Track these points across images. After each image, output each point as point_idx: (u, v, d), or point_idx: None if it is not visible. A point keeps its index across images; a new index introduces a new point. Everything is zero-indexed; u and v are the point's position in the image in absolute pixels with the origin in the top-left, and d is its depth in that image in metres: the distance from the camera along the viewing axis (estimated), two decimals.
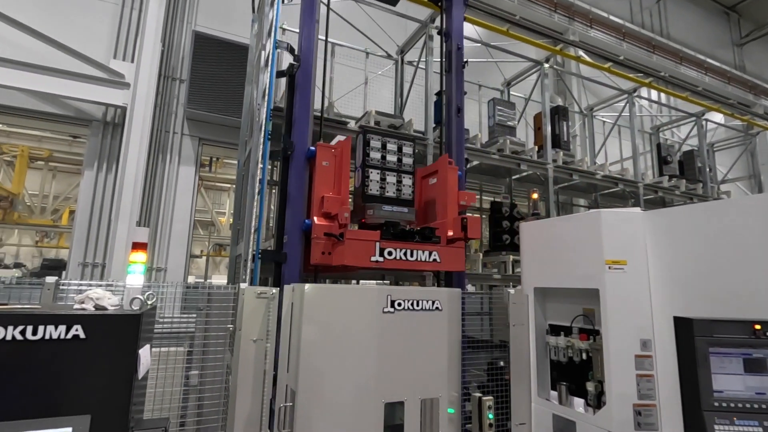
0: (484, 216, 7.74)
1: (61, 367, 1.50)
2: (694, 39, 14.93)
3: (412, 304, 2.22)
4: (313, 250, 3.03)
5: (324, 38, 4.52)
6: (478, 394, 3.10)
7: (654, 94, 11.01)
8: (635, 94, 8.35)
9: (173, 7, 7.61)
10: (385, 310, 2.15)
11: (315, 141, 3.92)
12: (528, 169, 6.55)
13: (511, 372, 3.67)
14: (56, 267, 10.40)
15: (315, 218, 3.14)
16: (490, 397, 3.06)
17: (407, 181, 3.82)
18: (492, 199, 7.12)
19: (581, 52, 8.53)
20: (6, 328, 1.45)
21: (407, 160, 3.95)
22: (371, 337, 2.11)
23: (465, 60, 4.97)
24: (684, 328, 2.75)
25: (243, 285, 2.76)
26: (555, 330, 3.66)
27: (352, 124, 5.43)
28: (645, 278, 3.13)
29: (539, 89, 7.33)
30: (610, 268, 3.14)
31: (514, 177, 7.38)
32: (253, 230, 3.27)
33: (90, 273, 6.39)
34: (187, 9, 7.68)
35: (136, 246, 1.88)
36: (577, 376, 3.44)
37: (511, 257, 6.03)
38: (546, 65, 7.13)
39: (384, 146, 3.89)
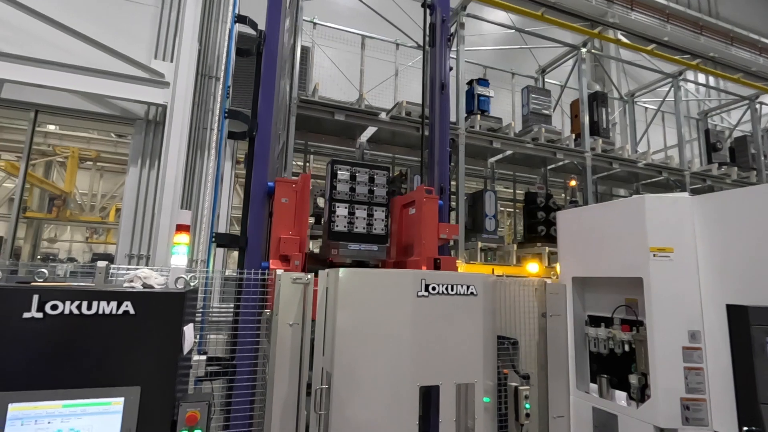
0: (518, 210, 7.55)
1: (113, 341, 1.59)
2: (745, 18, 13.93)
3: (446, 289, 2.19)
4: (270, 297, 2.87)
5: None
6: (514, 384, 3.04)
7: (702, 78, 10.36)
8: (681, 77, 7.89)
9: (209, 7, 7.84)
10: (420, 294, 2.14)
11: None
12: (564, 158, 6.34)
13: (547, 364, 3.58)
14: (105, 260, 11.00)
15: (271, 261, 2.98)
16: (527, 387, 3.00)
17: (379, 214, 3.47)
18: (526, 189, 6.93)
19: (621, 35, 8.14)
20: (64, 303, 1.55)
21: (380, 192, 3.59)
22: (405, 320, 2.11)
23: (450, 34, 4.68)
24: (738, 316, 2.58)
25: (279, 271, 2.82)
26: (595, 321, 3.54)
27: (383, 115, 5.41)
28: (693, 266, 2.96)
29: (576, 76, 7.06)
30: (654, 255, 3.00)
31: (549, 167, 7.17)
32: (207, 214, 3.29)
33: (136, 263, 6.72)
34: (222, 8, 7.89)
35: (180, 228, 1.97)
36: (618, 368, 3.31)
37: (548, 249, 5.87)
38: (583, 49, 6.85)
39: (353, 177, 3.56)
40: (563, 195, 7.25)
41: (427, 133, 4.71)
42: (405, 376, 2.08)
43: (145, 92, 6.83)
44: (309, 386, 2.57)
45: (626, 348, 3.21)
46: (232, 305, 3.11)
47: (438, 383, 2.13)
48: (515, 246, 6.09)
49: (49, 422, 1.50)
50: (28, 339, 1.51)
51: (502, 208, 10.91)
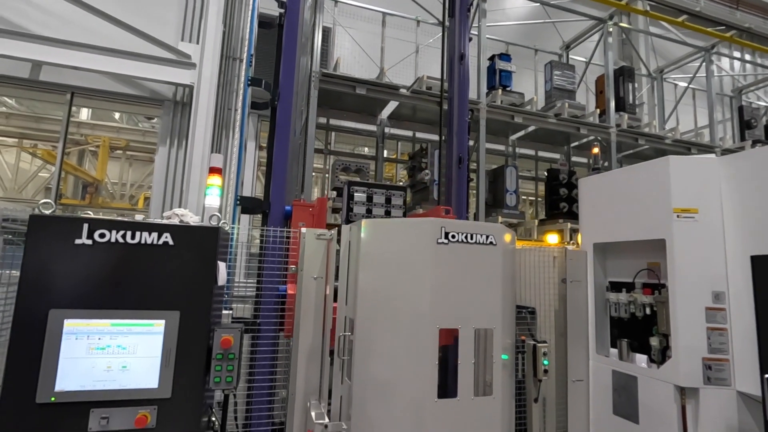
0: (539, 195, 7.47)
1: (154, 268, 1.72)
2: None
3: (466, 237, 2.25)
4: (286, 323, 2.96)
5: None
6: (532, 342, 3.09)
7: (737, 52, 9.90)
8: (713, 51, 7.59)
9: None
10: (440, 241, 2.20)
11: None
12: (588, 134, 6.23)
13: (567, 330, 3.61)
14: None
15: (288, 285, 3.02)
16: (546, 343, 3.04)
17: None
18: (549, 166, 6.85)
19: (649, 6, 7.85)
20: (110, 232, 1.69)
21: (396, 212, 3.69)
22: (426, 266, 2.18)
23: (470, 3, 4.61)
24: (763, 267, 2.54)
25: (303, 229, 2.94)
26: (616, 287, 3.53)
27: (404, 90, 5.44)
28: (719, 227, 2.92)
29: (601, 51, 6.89)
30: (678, 216, 2.97)
31: (572, 144, 7.06)
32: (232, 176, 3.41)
33: None
34: None
35: (213, 170, 2.08)
36: (639, 332, 3.31)
37: (569, 225, 5.82)
38: (610, 22, 6.68)
39: (370, 199, 3.68)
40: (587, 172, 7.13)
41: (446, 107, 4.72)
42: (425, 319, 2.16)
43: (172, 73, 7.05)
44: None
45: (647, 311, 3.20)
46: (255, 280, 3.25)
47: (457, 326, 2.20)
48: (536, 222, 6.06)
49: (99, 338, 1.65)
50: (79, 263, 1.66)
51: (524, 196, 10.81)
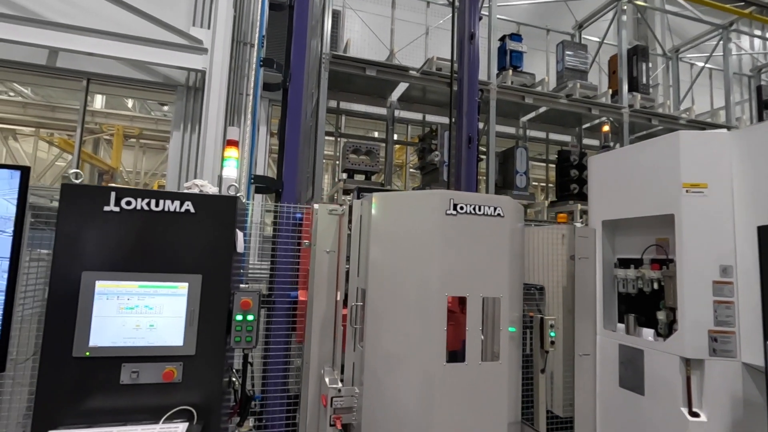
0: (550, 166, 7.44)
1: (177, 234, 1.83)
2: None
3: (474, 209, 2.31)
4: (298, 327, 3.03)
5: None
6: (540, 315, 3.16)
7: (756, 31, 9.62)
8: (731, 28, 7.40)
9: None
10: (448, 212, 2.26)
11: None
12: (600, 114, 6.18)
13: (574, 306, 3.66)
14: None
15: (300, 292, 3.05)
16: (553, 317, 3.11)
17: None
18: (560, 148, 6.81)
19: None
20: (136, 200, 1.80)
21: None
22: (434, 237, 2.25)
23: None
24: None
25: (316, 205, 3.03)
26: (624, 263, 3.57)
27: (414, 72, 5.45)
28: (728, 202, 2.93)
29: (615, 30, 6.78)
30: (687, 191, 2.98)
31: (584, 125, 7.00)
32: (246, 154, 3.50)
33: None
34: None
35: (230, 143, 2.17)
36: (646, 307, 3.35)
37: (579, 206, 5.82)
38: (624, 0, 6.55)
39: None
40: (598, 151, 7.08)
41: (456, 88, 4.73)
42: (434, 287, 2.24)
43: (184, 58, 7.13)
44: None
45: (655, 286, 3.24)
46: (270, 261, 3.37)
47: (465, 294, 2.27)
48: (546, 203, 6.07)
49: (128, 299, 1.76)
50: (108, 229, 1.77)
51: (535, 182, 10.75)
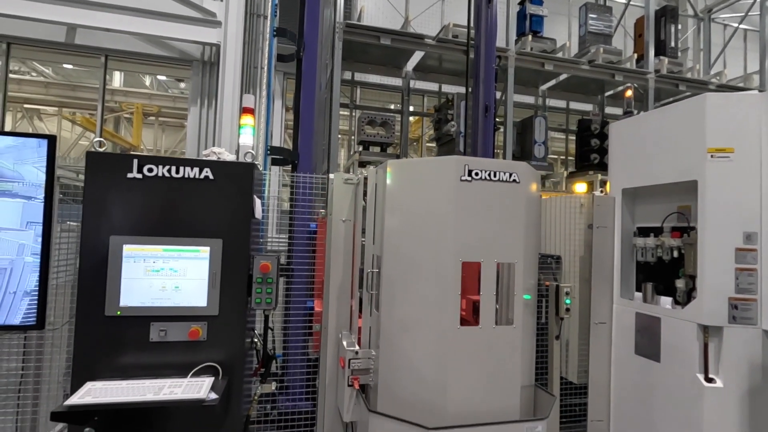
0: (570, 137, 7.26)
1: (198, 200, 1.89)
2: None
3: (489, 175, 2.29)
4: (314, 339, 3.06)
5: None
6: (555, 283, 3.17)
7: None
8: None
9: None
10: (463, 178, 2.26)
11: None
12: (624, 81, 5.95)
13: (591, 276, 3.65)
14: None
15: (316, 302, 3.07)
16: (569, 285, 3.11)
17: None
18: (580, 117, 6.62)
19: None
20: (157, 167, 1.85)
21: None
22: (449, 203, 2.25)
23: None
24: None
25: (332, 175, 3.06)
26: (643, 232, 3.52)
27: (429, 40, 5.32)
28: (755, 167, 2.83)
29: None
30: (712, 156, 2.89)
31: (607, 93, 6.76)
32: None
33: None
34: None
35: (246, 110, 2.20)
36: (664, 275, 3.32)
37: (600, 176, 5.70)
38: None
39: None
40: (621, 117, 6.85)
41: (472, 55, 4.61)
42: (448, 253, 2.26)
43: (199, 32, 7.12)
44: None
45: (674, 254, 3.19)
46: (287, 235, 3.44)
47: (480, 260, 2.29)
48: (565, 173, 5.96)
49: (154, 262, 1.85)
50: (132, 195, 1.84)
51: (554, 155, 10.51)
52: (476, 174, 2.28)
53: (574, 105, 7.22)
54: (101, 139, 1.85)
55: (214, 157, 2.00)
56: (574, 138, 6.58)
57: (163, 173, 1.85)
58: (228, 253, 1.90)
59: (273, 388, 3.79)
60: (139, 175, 1.83)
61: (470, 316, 2.51)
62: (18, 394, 2.12)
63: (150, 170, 1.84)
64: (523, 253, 2.38)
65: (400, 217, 2.41)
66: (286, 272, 3.50)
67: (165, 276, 1.84)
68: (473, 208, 2.28)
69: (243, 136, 2.14)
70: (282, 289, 3.52)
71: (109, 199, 1.80)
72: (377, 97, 9.02)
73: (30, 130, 13.63)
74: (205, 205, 1.89)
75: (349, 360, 2.54)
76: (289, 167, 4.36)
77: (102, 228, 1.79)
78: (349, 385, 2.53)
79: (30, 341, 2.11)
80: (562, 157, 9.84)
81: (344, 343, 2.69)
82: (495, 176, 2.31)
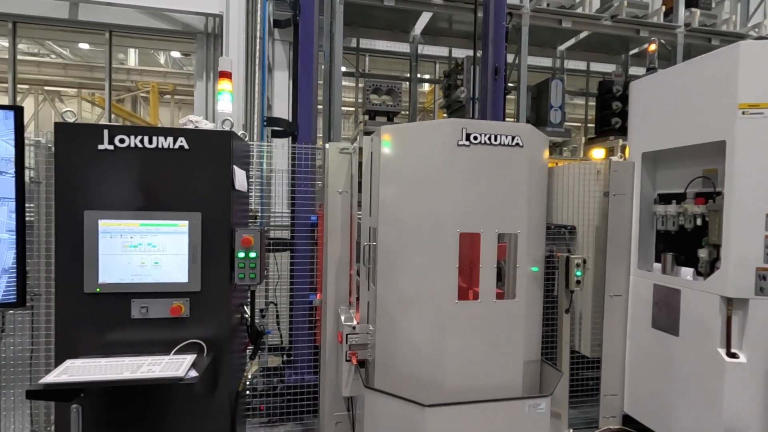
0: (591, 102, 6.85)
1: (173, 172, 1.80)
2: None
3: (489, 139, 2.11)
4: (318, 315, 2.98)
5: None
6: (566, 254, 3.00)
7: None
8: None
9: None
10: (460, 143, 2.09)
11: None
12: (650, 37, 5.49)
13: (607, 246, 3.45)
14: None
15: (318, 295, 2.97)
16: (580, 256, 2.94)
17: None
18: (601, 78, 6.19)
19: None
20: (129, 137, 1.76)
21: None
22: (446, 171, 2.10)
23: None
24: None
25: (327, 144, 2.92)
26: (665, 199, 3.28)
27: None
28: None
29: None
30: (744, 113, 2.61)
31: (631, 52, 6.30)
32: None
33: None
34: None
35: (222, 75, 2.07)
36: (686, 245, 3.10)
37: (621, 141, 5.35)
38: None
39: None
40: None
41: (481, 14, 4.30)
42: (445, 224, 2.12)
43: (201, 2, 6.93)
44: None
45: (698, 222, 2.96)
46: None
47: (479, 231, 2.14)
48: (584, 140, 5.64)
49: (131, 237, 1.78)
50: (105, 167, 1.75)
51: (572, 122, 10.02)
52: (475, 138, 2.11)
53: (595, 66, 6.76)
54: (71, 110, 1.76)
55: (191, 126, 1.89)
56: (594, 104, 6.19)
57: (135, 144, 1.75)
58: (208, 227, 1.81)
59: (280, 361, 3.81)
60: (111, 147, 1.74)
61: (469, 289, 2.39)
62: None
63: (122, 141, 1.74)
64: (526, 223, 2.21)
65: (395, 186, 2.27)
66: (288, 243, 3.44)
67: (143, 252, 1.78)
68: (472, 175, 2.12)
69: (220, 103, 2.01)
70: (284, 264, 3.48)
71: (81, 173, 1.72)
72: (389, 66, 8.69)
73: (52, 113, 13.85)
74: (181, 177, 1.79)
75: (347, 335, 2.47)
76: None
77: (76, 203, 1.72)
78: (347, 360, 2.47)
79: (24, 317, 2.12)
80: (579, 123, 9.39)
81: (342, 317, 2.62)
82: (495, 140, 2.13)
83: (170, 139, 1.77)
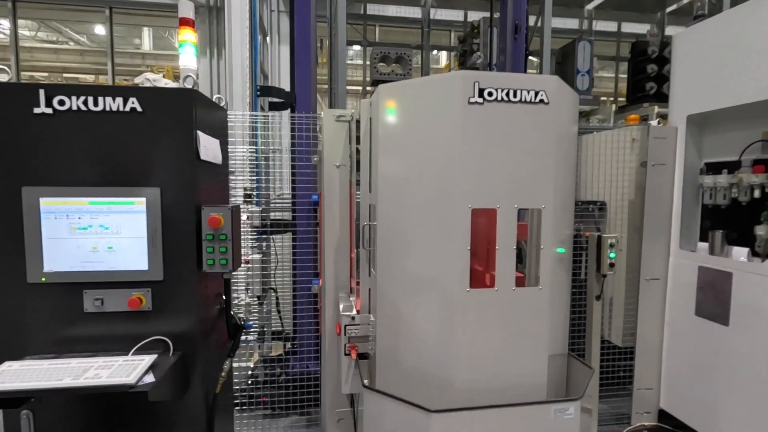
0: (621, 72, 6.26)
1: (125, 140, 1.50)
2: None
3: (507, 95, 1.75)
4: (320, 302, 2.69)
5: None
6: (597, 233, 2.62)
7: None
8: None
9: None
10: (472, 100, 1.73)
11: None
12: None
13: (643, 224, 3.05)
14: None
15: (320, 280, 2.67)
16: (614, 235, 2.56)
17: None
18: (634, 40, 5.61)
19: None
20: (70, 98, 1.47)
21: None
22: (455, 134, 1.75)
23: None
24: None
25: (322, 112, 2.59)
26: (714, 168, 2.84)
27: None
28: None
29: None
30: None
31: (669, 9, 5.67)
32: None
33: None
34: None
35: (183, 23, 1.75)
36: (740, 221, 2.67)
37: (656, 108, 4.83)
38: None
39: None
40: None
41: None
42: (454, 198, 1.78)
43: None
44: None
45: (755, 194, 2.53)
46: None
47: (495, 206, 1.80)
48: (614, 108, 5.13)
49: (79, 218, 1.51)
50: (44, 135, 1.47)
51: (599, 88, 9.34)
52: (489, 94, 1.74)
53: (627, 28, 6.15)
54: (3, 66, 1.48)
55: (148, 85, 1.59)
56: (626, 71, 5.63)
57: (78, 106, 1.46)
58: (169, 206, 1.53)
59: (282, 350, 3.59)
60: (49, 110, 1.46)
61: (484, 275, 2.06)
62: None
63: (61, 103, 1.46)
64: (552, 196, 1.85)
65: (396, 155, 1.93)
66: (289, 224, 3.20)
67: (95, 234, 1.51)
68: (486, 138, 1.76)
69: (183, 57, 1.69)
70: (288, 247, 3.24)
71: (16, 142, 1.45)
72: (402, 38, 8.21)
73: None
74: (135, 145, 1.50)
75: (345, 326, 2.19)
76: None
77: (12, 178, 1.46)
78: (346, 354, 2.20)
79: None
80: (604, 98, 8.71)
81: (341, 306, 2.33)
82: (515, 96, 1.76)
83: (119, 101, 1.47)
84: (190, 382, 1.60)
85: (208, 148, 1.64)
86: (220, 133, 1.92)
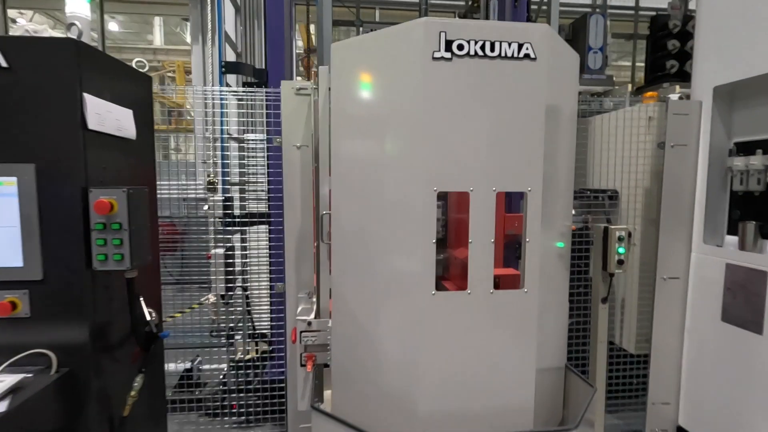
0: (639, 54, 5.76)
1: None
2: None
3: (482, 48, 1.38)
4: None
5: None
6: (603, 225, 2.24)
7: None
8: None
9: None
10: (437, 55, 1.37)
11: None
12: None
13: (660, 216, 2.64)
14: None
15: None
16: (624, 227, 2.17)
17: None
18: (654, 14, 5.10)
19: None
20: None
21: None
22: (416, 98, 1.40)
23: None
24: None
25: (282, 83, 2.26)
26: (745, 148, 2.41)
27: None
28: None
29: None
30: None
31: None
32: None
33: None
34: None
35: None
36: None
37: (678, 88, 4.35)
38: None
39: None
40: None
41: None
42: (416, 179, 1.43)
43: None
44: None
45: None
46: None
47: (467, 189, 1.44)
48: (630, 89, 4.67)
49: None
50: None
51: (614, 69, 8.79)
52: (460, 47, 1.38)
53: (645, 2, 5.63)
54: None
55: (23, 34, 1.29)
56: (644, 55, 5.13)
57: None
58: (47, 187, 1.22)
59: (257, 354, 3.31)
60: None
61: (454, 275, 1.70)
62: None
63: None
64: (541, 176, 1.48)
65: (353, 128, 1.59)
66: (263, 216, 2.94)
67: None
68: (456, 104, 1.40)
69: (70, 3, 1.39)
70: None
71: None
72: (403, 21, 7.84)
73: None
74: (1, 111, 1.20)
75: (301, 333, 1.87)
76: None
77: None
78: (301, 365, 1.88)
79: None
80: (626, 68, 8.17)
81: (298, 309, 2.02)
82: (492, 50, 1.39)
83: None
84: (83, 405, 1.30)
85: (106, 117, 1.33)
86: (141, 103, 1.61)
